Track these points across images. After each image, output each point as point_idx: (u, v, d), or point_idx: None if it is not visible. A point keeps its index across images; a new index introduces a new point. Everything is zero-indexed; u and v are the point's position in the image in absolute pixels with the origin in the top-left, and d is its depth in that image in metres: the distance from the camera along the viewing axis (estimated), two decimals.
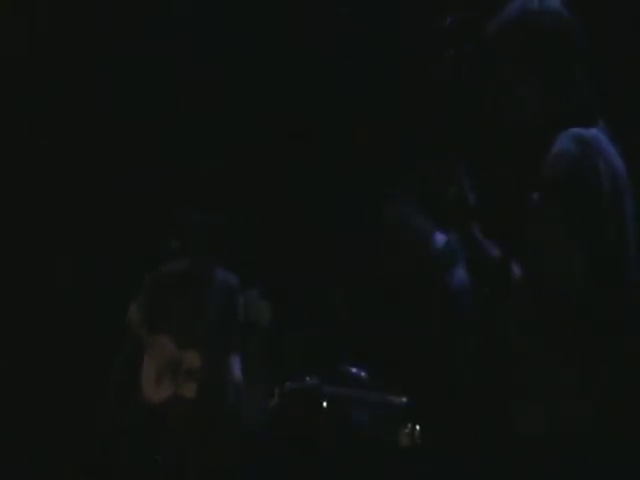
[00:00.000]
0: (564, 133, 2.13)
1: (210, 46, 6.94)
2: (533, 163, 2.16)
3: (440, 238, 3.33)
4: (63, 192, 6.76)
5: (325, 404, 3.33)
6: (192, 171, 6.99)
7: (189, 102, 6.97)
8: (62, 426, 6.38)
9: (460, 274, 3.16)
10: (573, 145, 2.11)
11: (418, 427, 3.09)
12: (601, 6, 4.60)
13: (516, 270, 2.15)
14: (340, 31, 6.45)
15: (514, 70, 2.30)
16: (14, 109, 6.68)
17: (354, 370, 3.38)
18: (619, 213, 2.14)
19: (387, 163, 6.11)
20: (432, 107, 2.38)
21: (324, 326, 6.40)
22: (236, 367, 5.24)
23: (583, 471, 2.06)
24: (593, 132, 2.17)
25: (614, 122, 2.31)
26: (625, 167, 2.23)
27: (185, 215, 5.34)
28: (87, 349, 6.31)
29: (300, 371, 3.84)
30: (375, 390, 3.35)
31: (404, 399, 3.27)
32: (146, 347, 5.11)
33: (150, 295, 5.22)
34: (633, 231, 2.17)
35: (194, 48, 6.90)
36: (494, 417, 2.15)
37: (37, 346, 6.52)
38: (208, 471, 5.10)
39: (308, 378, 3.45)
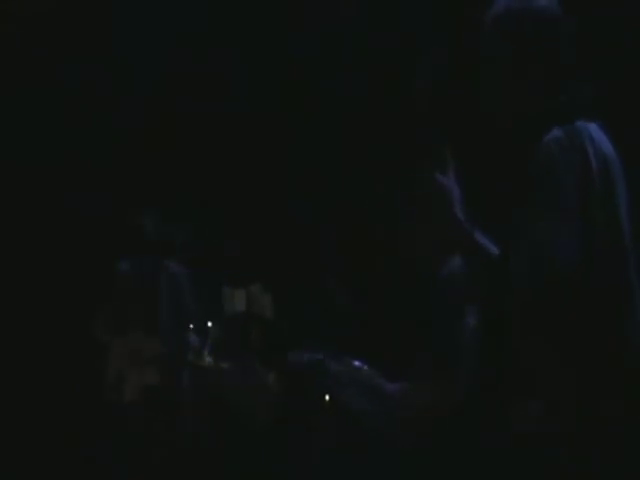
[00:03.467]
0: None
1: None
2: (521, 158, 2.16)
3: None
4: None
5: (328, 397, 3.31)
6: (193, 170, 7.01)
7: (187, 104, 6.97)
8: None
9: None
10: (562, 133, 2.13)
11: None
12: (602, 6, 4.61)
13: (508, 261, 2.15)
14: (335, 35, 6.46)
15: (500, 68, 2.31)
16: None
17: (356, 363, 3.38)
18: (610, 198, 2.15)
19: (382, 159, 6.13)
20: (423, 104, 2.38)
21: (326, 321, 6.41)
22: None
23: (581, 469, 2.07)
24: (581, 122, 2.19)
25: (613, 121, 2.32)
26: (617, 155, 2.24)
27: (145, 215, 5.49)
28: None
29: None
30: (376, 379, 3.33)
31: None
32: (111, 351, 5.26)
33: (110, 300, 5.36)
34: (627, 217, 2.19)
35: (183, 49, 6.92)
36: (493, 415, 2.15)
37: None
38: (182, 452, 5.25)
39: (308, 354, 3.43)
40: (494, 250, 2.23)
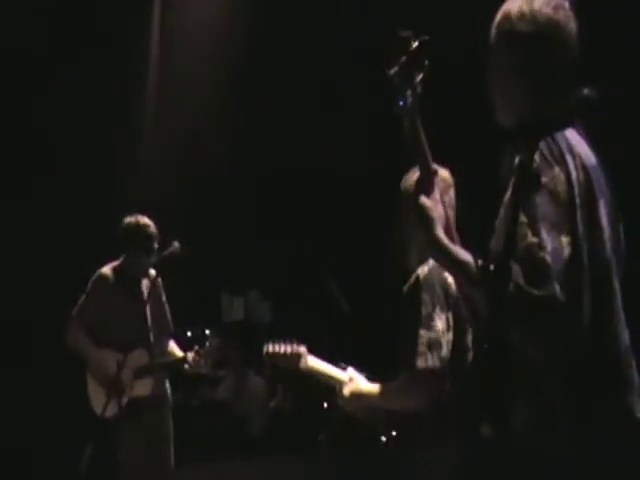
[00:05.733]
0: None
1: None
2: (520, 160, 2.17)
3: None
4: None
5: None
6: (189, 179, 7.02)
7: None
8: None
9: None
10: (542, 144, 2.15)
11: None
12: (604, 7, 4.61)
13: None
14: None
15: (505, 71, 2.31)
16: None
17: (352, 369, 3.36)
18: (591, 204, 2.17)
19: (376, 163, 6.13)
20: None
21: (324, 327, 6.42)
22: (174, 347, 5.38)
23: (581, 469, 2.07)
24: (561, 131, 2.20)
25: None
26: (599, 162, 2.25)
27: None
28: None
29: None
30: None
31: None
32: (90, 363, 5.15)
33: (87, 307, 5.23)
34: (612, 221, 2.21)
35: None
36: (493, 416, 2.15)
37: None
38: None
39: None
40: (477, 264, 2.23)
